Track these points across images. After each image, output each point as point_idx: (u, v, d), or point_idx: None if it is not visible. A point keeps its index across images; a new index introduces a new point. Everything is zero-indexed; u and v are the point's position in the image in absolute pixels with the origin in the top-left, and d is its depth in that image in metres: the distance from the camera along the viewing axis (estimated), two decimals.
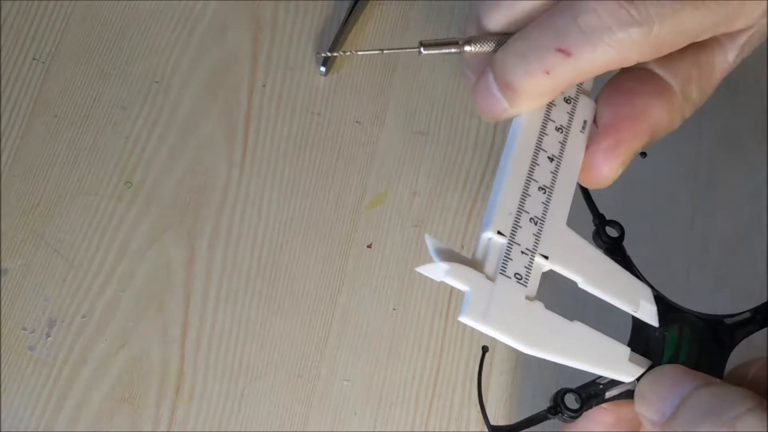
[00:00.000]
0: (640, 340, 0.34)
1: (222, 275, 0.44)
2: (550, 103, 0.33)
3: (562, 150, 0.34)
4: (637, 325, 0.34)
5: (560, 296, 0.37)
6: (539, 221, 0.33)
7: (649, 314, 0.34)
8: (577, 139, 0.34)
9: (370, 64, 0.49)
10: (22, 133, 0.47)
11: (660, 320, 0.34)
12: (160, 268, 0.44)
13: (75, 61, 0.48)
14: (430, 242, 0.31)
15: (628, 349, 0.33)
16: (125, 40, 0.49)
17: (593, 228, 0.37)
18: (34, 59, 0.48)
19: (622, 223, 0.40)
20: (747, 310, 0.35)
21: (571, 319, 0.33)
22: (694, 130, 0.47)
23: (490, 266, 0.32)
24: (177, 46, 0.49)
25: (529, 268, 0.32)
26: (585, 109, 0.34)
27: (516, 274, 0.32)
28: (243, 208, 0.46)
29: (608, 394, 0.33)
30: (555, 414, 0.32)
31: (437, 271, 0.31)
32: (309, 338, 0.44)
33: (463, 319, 0.31)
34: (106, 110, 0.47)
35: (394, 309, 0.44)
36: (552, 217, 0.33)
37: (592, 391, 0.33)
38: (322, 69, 0.48)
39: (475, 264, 0.31)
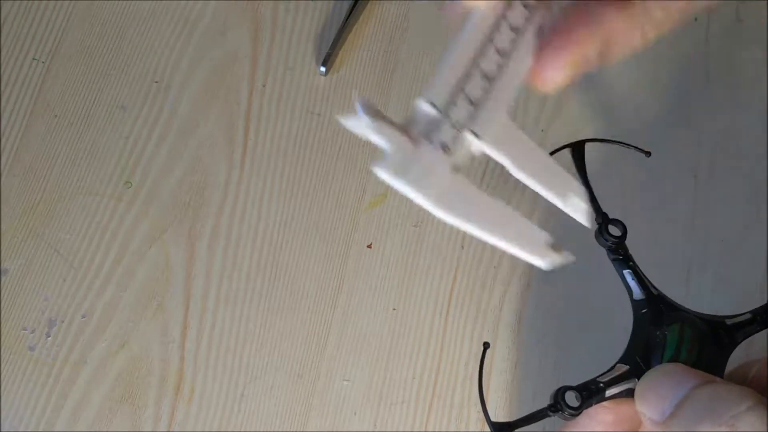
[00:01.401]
0: (640, 340, 0.34)
1: (222, 275, 0.44)
2: (508, 4, 0.34)
3: (512, 47, 0.35)
4: (637, 325, 0.35)
5: (563, 298, 0.37)
6: (477, 103, 0.34)
7: (578, 210, 0.34)
8: (530, 42, 0.35)
9: (370, 64, 0.49)
10: (22, 133, 0.47)
11: (661, 319, 0.34)
12: (160, 269, 0.44)
13: (75, 61, 0.48)
14: (359, 98, 0.32)
15: (549, 237, 0.33)
16: (125, 40, 0.49)
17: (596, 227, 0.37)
18: (34, 59, 0.48)
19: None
20: (747, 312, 0.35)
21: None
22: (694, 130, 0.47)
23: (416, 131, 0.32)
24: (177, 46, 0.49)
25: (455, 140, 0.33)
26: (542, 17, 0.35)
27: (441, 143, 0.33)
28: (243, 208, 0.46)
29: (608, 393, 0.33)
30: (555, 411, 0.32)
31: (361, 123, 0.31)
32: (309, 338, 0.43)
33: (378, 172, 0.31)
34: (106, 110, 0.47)
35: (394, 309, 0.44)
36: (492, 103, 0.34)
37: (593, 389, 0.33)
38: (322, 69, 0.48)
39: (401, 128, 0.32)
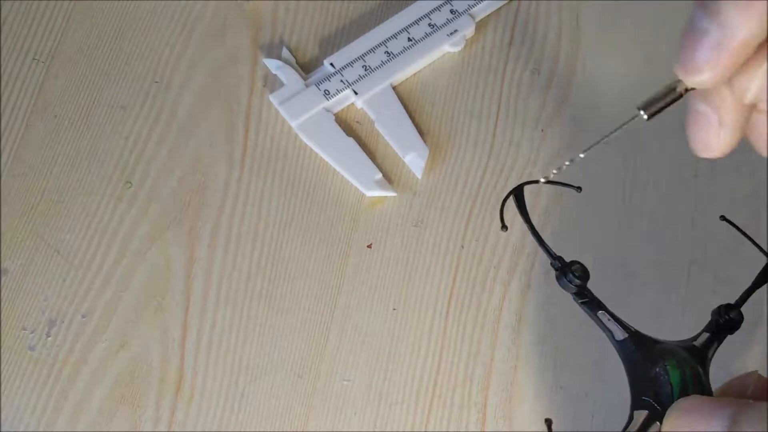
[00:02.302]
0: (642, 380, 0.33)
1: (222, 275, 0.44)
2: (438, 7, 0.47)
3: (423, 39, 0.47)
4: (632, 366, 0.33)
5: (563, 298, 0.37)
6: (370, 71, 0.46)
7: (414, 163, 0.45)
8: (441, 38, 0.47)
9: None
10: (22, 133, 0.47)
11: (652, 355, 0.33)
12: (160, 268, 0.44)
13: (75, 61, 0.48)
14: (283, 49, 0.47)
15: (380, 174, 0.45)
16: (125, 40, 0.49)
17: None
18: (34, 59, 0.48)
19: (621, 223, 0.40)
20: (703, 330, 0.34)
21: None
22: None
23: (311, 80, 0.46)
24: (177, 46, 0.49)
25: (338, 92, 0.46)
26: (464, 24, 0.47)
27: (326, 90, 0.46)
28: (243, 208, 0.46)
29: None
30: None
31: (272, 65, 0.47)
32: (309, 338, 0.43)
33: (271, 98, 0.46)
34: (106, 110, 0.47)
35: (394, 309, 0.44)
36: (383, 74, 0.46)
37: None
38: None
39: (300, 73, 0.46)
